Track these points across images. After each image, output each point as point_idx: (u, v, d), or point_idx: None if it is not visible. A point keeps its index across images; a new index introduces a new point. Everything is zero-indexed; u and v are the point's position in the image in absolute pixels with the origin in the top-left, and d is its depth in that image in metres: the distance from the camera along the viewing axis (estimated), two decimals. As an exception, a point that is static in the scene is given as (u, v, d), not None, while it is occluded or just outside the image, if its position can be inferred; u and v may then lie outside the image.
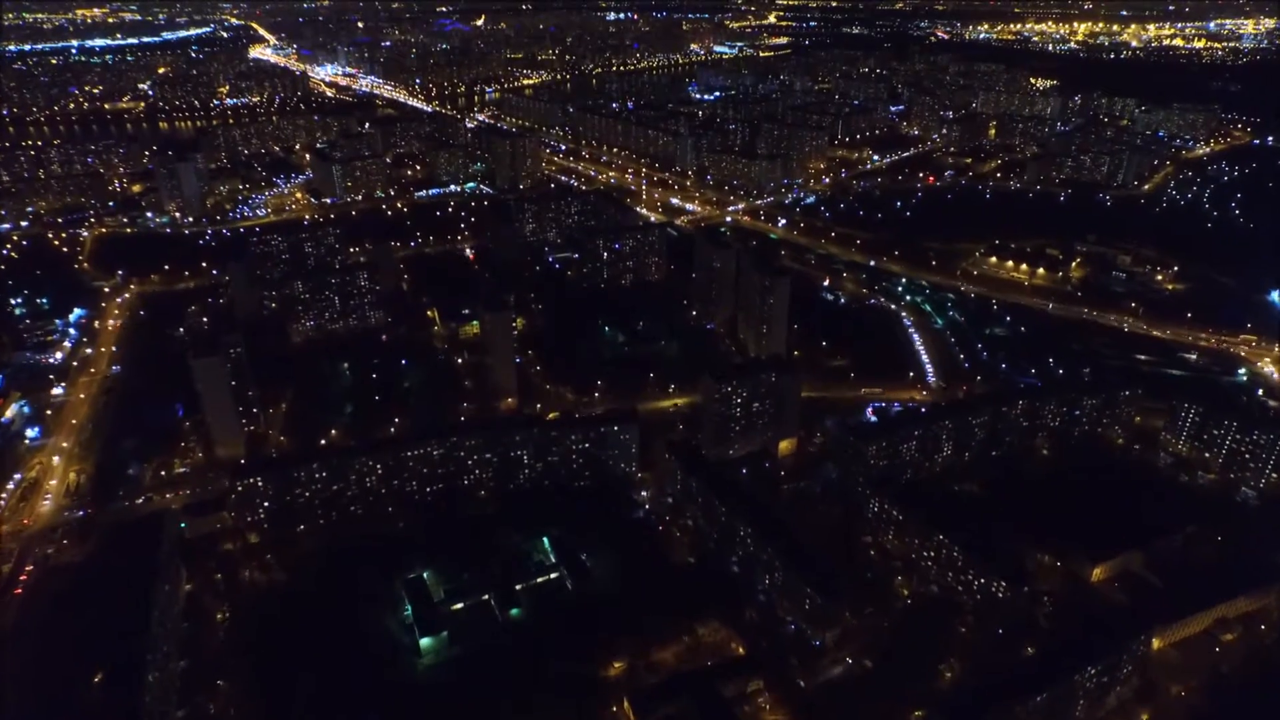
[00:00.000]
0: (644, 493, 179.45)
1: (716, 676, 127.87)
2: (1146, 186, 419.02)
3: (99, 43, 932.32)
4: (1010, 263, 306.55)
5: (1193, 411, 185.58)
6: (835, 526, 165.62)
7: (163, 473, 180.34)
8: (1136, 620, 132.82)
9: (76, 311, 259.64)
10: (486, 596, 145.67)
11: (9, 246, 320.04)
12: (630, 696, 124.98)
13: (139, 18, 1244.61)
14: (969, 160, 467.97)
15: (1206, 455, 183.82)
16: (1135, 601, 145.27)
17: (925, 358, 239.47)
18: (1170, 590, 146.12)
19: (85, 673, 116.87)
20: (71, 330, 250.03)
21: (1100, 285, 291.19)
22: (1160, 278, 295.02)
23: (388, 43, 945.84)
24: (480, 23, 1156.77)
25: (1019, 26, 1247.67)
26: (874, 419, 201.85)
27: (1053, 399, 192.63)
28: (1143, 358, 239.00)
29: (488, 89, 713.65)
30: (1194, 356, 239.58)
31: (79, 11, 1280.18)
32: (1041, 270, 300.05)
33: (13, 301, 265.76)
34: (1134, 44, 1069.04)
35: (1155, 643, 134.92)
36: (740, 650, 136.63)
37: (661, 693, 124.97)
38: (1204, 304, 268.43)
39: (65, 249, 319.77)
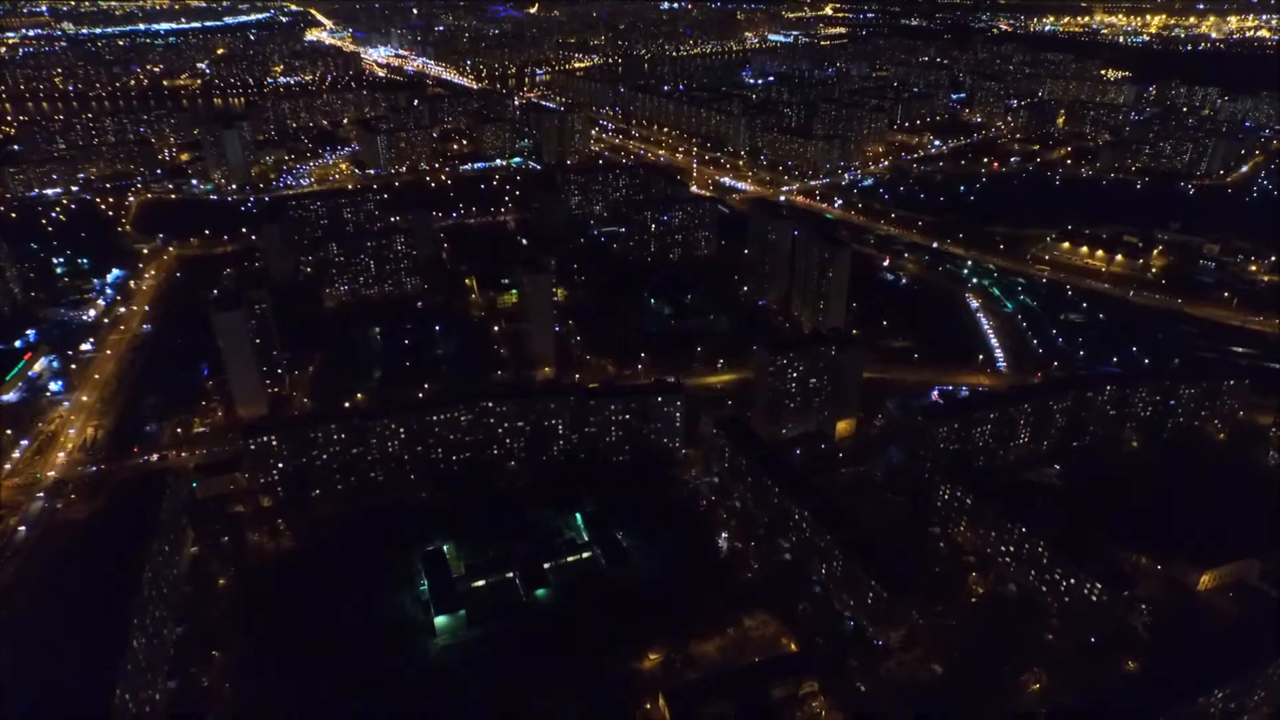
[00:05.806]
0: (690, 471, 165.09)
1: (764, 676, 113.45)
2: (1233, 176, 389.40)
3: (164, 26, 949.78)
4: (1085, 249, 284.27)
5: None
6: (899, 515, 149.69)
7: (179, 430, 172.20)
8: (1257, 638, 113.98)
9: (115, 272, 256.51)
10: (511, 574, 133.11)
11: (58, 210, 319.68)
12: (666, 693, 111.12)
13: (203, 4, 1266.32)
14: (1036, 147, 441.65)
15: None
16: (1251, 616, 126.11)
17: (995, 342, 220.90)
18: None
19: (73, 634, 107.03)
20: (108, 290, 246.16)
21: (1186, 274, 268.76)
22: (1254, 268, 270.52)
23: (441, 27, 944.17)
24: (534, 9, 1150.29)
25: (1087, 19, 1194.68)
26: (940, 402, 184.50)
27: (1145, 386, 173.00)
28: (1240, 349, 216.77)
29: (538, 71, 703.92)
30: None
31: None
32: (1120, 257, 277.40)
33: (55, 260, 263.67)
34: (1213, 35, 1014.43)
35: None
36: (792, 647, 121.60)
37: (702, 691, 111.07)
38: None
39: (110, 213, 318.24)
